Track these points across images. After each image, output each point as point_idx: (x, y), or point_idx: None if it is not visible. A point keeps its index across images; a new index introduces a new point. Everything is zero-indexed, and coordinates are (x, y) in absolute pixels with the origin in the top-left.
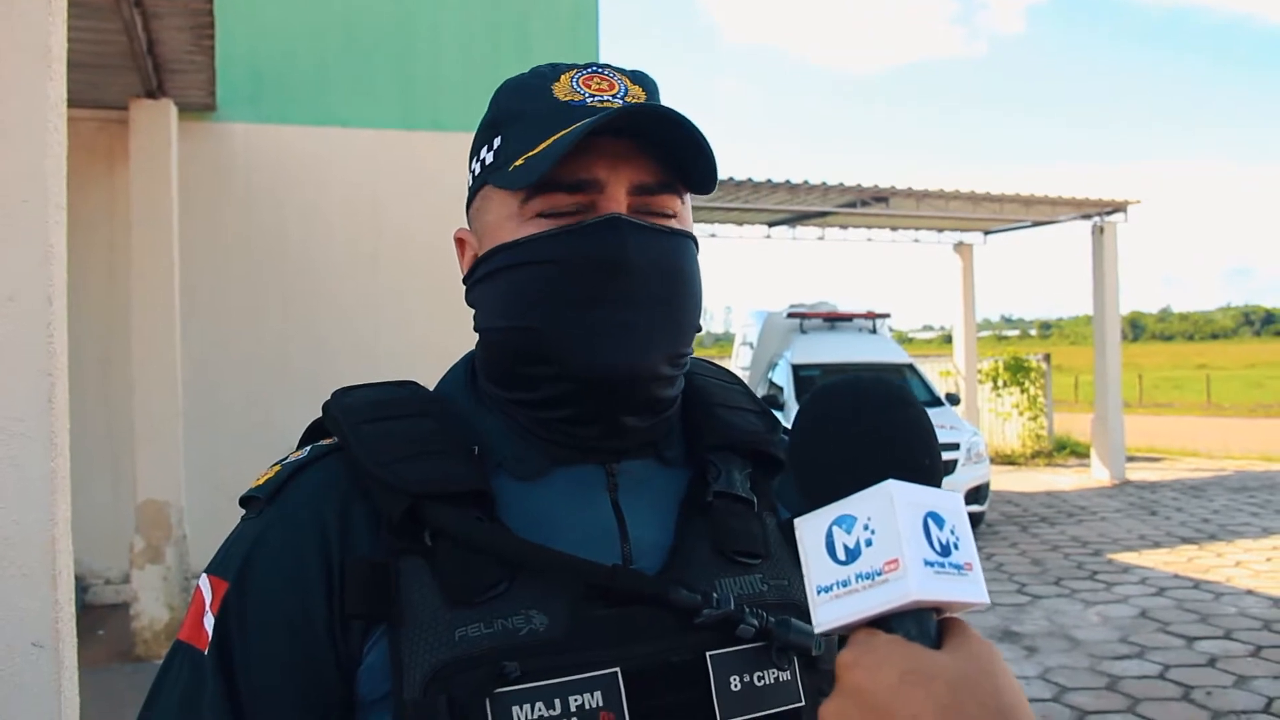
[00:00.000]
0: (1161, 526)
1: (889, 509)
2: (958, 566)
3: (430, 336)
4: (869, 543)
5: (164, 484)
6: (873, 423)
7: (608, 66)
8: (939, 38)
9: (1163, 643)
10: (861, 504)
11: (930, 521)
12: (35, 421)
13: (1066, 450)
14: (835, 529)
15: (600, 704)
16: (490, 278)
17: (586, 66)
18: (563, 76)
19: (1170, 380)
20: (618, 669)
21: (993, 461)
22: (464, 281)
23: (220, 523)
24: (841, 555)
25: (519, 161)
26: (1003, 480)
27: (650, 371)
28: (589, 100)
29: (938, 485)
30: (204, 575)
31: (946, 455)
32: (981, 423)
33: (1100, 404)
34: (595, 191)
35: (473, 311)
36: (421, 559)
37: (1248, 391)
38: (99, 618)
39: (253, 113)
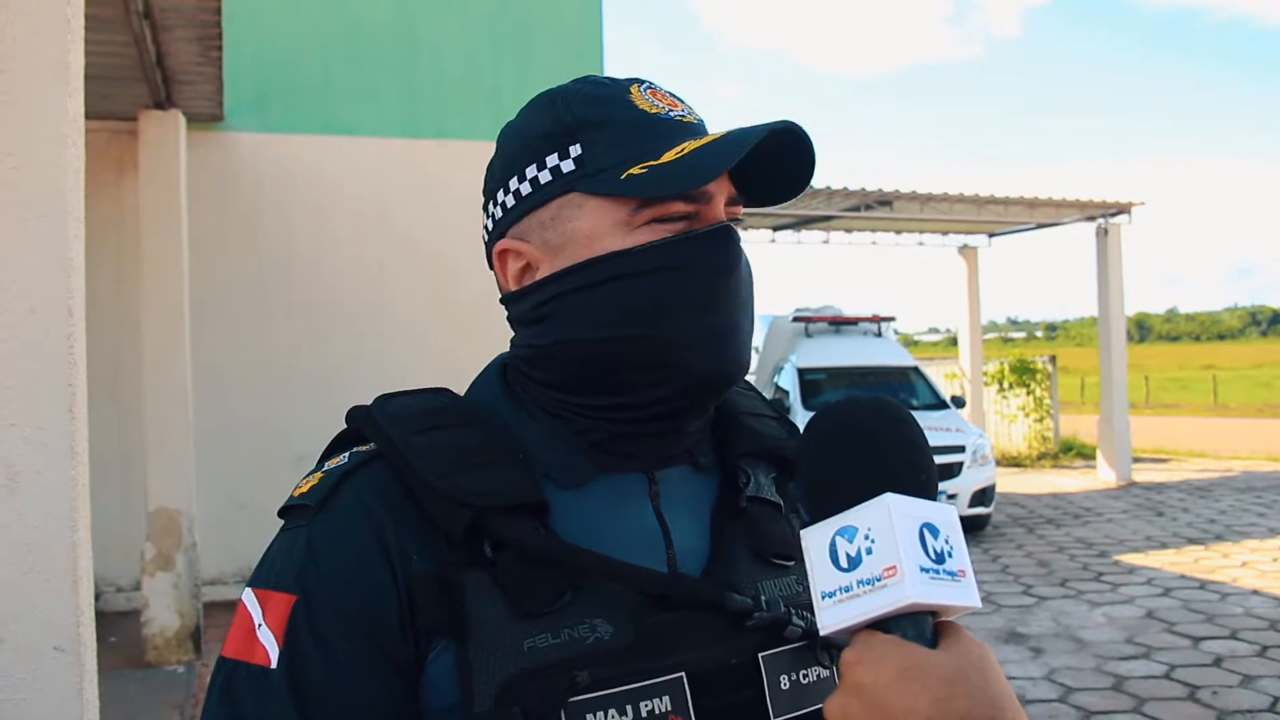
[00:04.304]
0: (1168, 527)
1: (887, 520)
2: (951, 573)
3: (436, 341)
4: (869, 551)
5: (175, 492)
6: (874, 440)
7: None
8: (936, 40)
9: (1169, 643)
10: (862, 515)
11: (926, 532)
12: (56, 431)
13: (1072, 452)
14: (838, 539)
15: (669, 708)
16: (596, 287)
17: (640, 81)
18: (631, 88)
19: (1176, 381)
20: (683, 673)
21: (998, 464)
22: (514, 297)
23: (230, 530)
24: (844, 563)
25: (635, 170)
26: (1008, 482)
27: (746, 369)
28: (671, 114)
29: (933, 498)
30: (248, 589)
31: (952, 458)
32: (987, 425)
33: (1106, 405)
34: (704, 201)
35: (516, 324)
36: (483, 571)
37: (1255, 392)
38: (110, 624)
39: (259, 122)
